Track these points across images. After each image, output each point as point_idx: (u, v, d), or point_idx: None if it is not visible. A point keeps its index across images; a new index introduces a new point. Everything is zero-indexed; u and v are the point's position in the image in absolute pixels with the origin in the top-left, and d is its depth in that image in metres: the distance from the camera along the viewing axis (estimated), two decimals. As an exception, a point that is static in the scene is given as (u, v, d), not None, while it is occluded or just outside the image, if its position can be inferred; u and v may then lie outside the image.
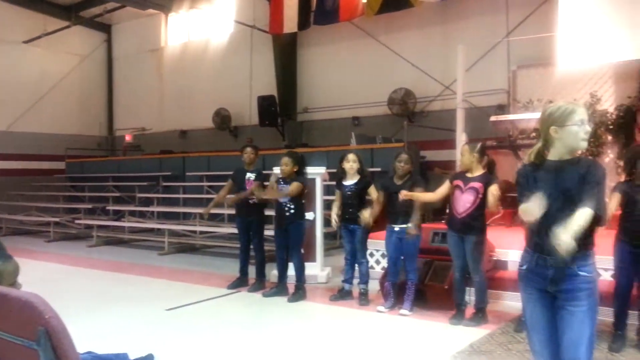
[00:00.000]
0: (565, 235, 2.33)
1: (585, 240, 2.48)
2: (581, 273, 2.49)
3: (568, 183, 2.52)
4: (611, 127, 9.21)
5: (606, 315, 4.33)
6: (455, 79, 9.24)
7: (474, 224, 4.69)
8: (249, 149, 6.42)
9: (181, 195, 12.09)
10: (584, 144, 2.57)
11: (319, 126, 13.22)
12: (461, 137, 8.44)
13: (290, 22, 11.98)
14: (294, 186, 5.67)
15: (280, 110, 13.35)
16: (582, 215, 2.42)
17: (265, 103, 13.11)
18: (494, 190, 4.55)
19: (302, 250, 6.14)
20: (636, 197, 3.99)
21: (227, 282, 6.44)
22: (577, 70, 9.51)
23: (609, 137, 9.32)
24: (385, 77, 11.95)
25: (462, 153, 4.89)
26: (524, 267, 2.64)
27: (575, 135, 2.55)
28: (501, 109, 10.45)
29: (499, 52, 10.61)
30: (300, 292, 5.79)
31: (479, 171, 4.72)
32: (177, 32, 16.15)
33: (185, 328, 4.84)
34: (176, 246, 9.58)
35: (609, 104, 9.47)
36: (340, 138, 11.18)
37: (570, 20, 9.04)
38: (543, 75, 10.06)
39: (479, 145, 4.78)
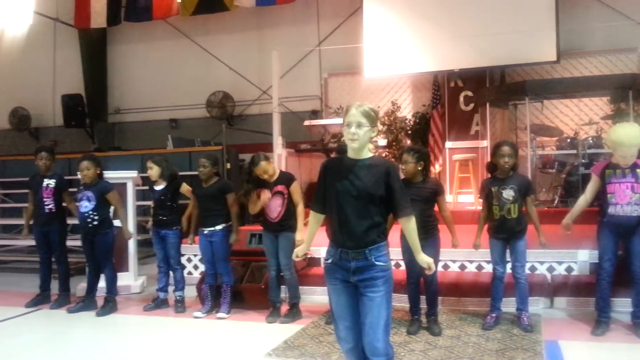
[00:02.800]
0: (425, 257, 2.82)
1: (380, 233, 2.74)
2: (378, 263, 2.71)
3: (363, 181, 2.71)
4: (409, 132, 10.19)
5: (401, 301, 4.79)
6: (272, 84, 9.47)
7: (287, 224, 4.90)
8: (43, 153, 5.74)
9: (-31, 205, 10.59)
10: (351, 145, 2.75)
11: (133, 128, 12.58)
12: (278, 141, 8.67)
13: (98, 16, 11.25)
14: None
15: (89, 110, 12.40)
16: (412, 229, 2.81)
17: (71, 102, 12.06)
18: (294, 190, 4.92)
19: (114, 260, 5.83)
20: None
21: (27, 300, 5.80)
22: (380, 79, 10.39)
23: (408, 142, 10.29)
24: (204, 80, 11.80)
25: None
26: (330, 261, 2.82)
27: (346, 136, 2.77)
28: (315, 114, 10.97)
29: (312, 60, 11.14)
30: (110, 305, 5.44)
31: (277, 175, 4.95)
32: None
33: (-28, 355, 4.25)
34: (-37, 263, 8.36)
35: (407, 111, 10.47)
36: (156, 141, 10.75)
37: (374, 33, 9.85)
38: (351, 83, 10.82)
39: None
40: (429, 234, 4.30)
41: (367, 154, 2.80)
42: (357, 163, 2.76)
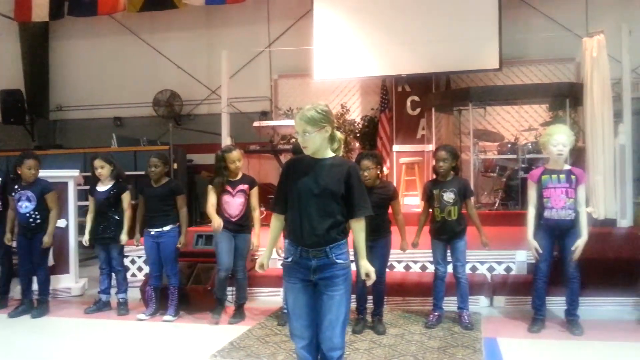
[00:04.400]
0: (367, 266, 2.80)
1: (341, 232, 2.77)
2: (338, 261, 2.74)
3: (325, 180, 2.73)
4: (358, 135, 10.33)
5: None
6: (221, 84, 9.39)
7: (246, 224, 4.91)
8: None
9: None
10: (305, 151, 2.80)
11: (76, 126, 12.18)
12: (226, 141, 8.60)
13: (39, 9, 10.85)
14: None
15: (29, 107, 11.93)
16: (362, 230, 2.81)
17: (9, 98, 11.54)
18: (254, 194, 4.94)
19: (53, 262, 5.67)
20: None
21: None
22: (330, 82, 10.48)
23: (357, 144, 10.44)
24: (151, 78, 11.56)
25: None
26: (289, 260, 2.82)
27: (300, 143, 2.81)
28: (264, 115, 10.96)
29: (262, 61, 11.11)
30: (43, 306, 5.29)
31: (240, 174, 4.95)
32: None
33: None
34: None
35: (356, 115, 10.61)
36: (99, 139, 10.46)
37: (324, 36, 9.94)
38: (301, 85, 10.85)
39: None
40: (381, 236, 4.41)
41: (329, 153, 2.82)
42: (319, 162, 2.79)
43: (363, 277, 2.85)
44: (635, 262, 5.09)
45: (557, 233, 4.40)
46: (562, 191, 4.33)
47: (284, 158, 8.59)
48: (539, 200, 4.43)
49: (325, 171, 2.76)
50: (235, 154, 4.86)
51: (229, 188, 4.87)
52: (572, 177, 4.36)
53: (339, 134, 2.87)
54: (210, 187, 4.89)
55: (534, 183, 4.47)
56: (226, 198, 4.87)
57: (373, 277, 2.85)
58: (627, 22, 7.19)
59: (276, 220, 2.95)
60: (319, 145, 2.78)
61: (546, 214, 4.37)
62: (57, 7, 11.02)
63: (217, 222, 4.76)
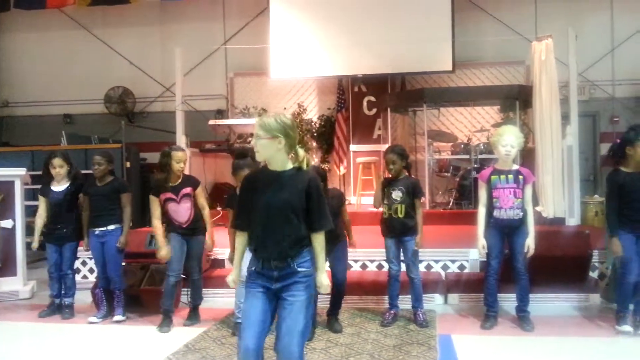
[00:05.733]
0: (324, 280, 2.80)
1: (302, 241, 2.74)
2: (300, 269, 2.71)
3: (285, 193, 2.70)
4: (315, 134, 10.35)
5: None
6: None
7: (198, 226, 4.82)
8: None
9: None
10: (256, 156, 2.76)
11: (23, 123, 11.73)
12: (181, 140, 8.47)
13: (-17, 1, 10.40)
14: None
15: (-27, 103, 11.46)
16: (321, 245, 2.78)
17: (-48, 93, 11.08)
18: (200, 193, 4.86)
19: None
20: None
21: None
22: (286, 81, 10.45)
23: (314, 144, 10.46)
24: (102, 74, 11.27)
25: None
26: (253, 269, 2.78)
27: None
28: (220, 113, 10.84)
29: (218, 58, 10.99)
30: None
31: (180, 178, 4.81)
32: None
33: None
34: None
35: (313, 114, 10.63)
36: (48, 137, 10.10)
37: (280, 35, 9.91)
38: (258, 84, 10.79)
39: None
40: (339, 240, 4.45)
41: (288, 165, 2.77)
42: (279, 174, 2.75)
43: (319, 288, 2.84)
44: (583, 259, 5.30)
45: (506, 231, 4.51)
46: (510, 191, 4.44)
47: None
48: (489, 200, 4.52)
49: (284, 184, 2.73)
50: (181, 154, 4.74)
51: (171, 195, 4.71)
52: (520, 177, 4.48)
53: (301, 152, 2.79)
54: (152, 197, 4.74)
55: (483, 183, 4.57)
56: (172, 206, 4.72)
57: (327, 291, 2.89)
58: (574, 27, 7.48)
59: (240, 236, 2.90)
60: (270, 154, 2.73)
61: (495, 213, 4.47)
62: (3, -1, 10.61)
63: (163, 251, 4.66)
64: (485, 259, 4.72)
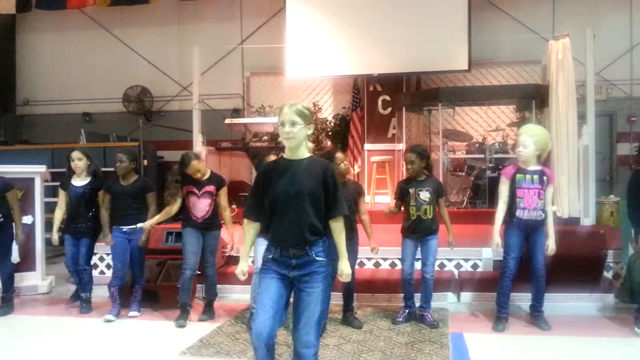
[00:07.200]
0: (346, 268, 2.84)
1: (320, 231, 2.79)
2: (318, 259, 2.77)
3: (302, 181, 2.76)
4: (330, 133, 10.38)
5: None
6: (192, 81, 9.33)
7: (214, 222, 4.90)
8: None
9: None
10: (288, 143, 2.81)
11: (43, 121, 11.94)
12: (197, 138, 8.56)
13: (6, 1, 10.61)
14: None
15: (-5, 101, 11.68)
16: (342, 229, 2.83)
17: (-26, 92, 11.31)
18: (223, 193, 4.92)
19: (19, 259, 5.62)
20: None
21: None
22: (302, 80, 10.50)
23: (329, 142, 10.48)
24: (121, 73, 11.43)
25: None
26: (270, 257, 2.83)
27: (281, 135, 2.82)
28: (236, 112, 10.93)
29: (234, 58, 11.08)
30: (8, 304, 5.20)
31: (208, 174, 4.89)
32: None
33: None
34: None
35: (328, 113, 10.66)
36: (68, 135, 10.28)
37: (297, 34, 9.95)
38: (274, 83, 10.86)
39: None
40: (355, 234, 4.48)
41: (305, 153, 2.84)
42: (295, 163, 2.80)
43: (340, 277, 2.89)
44: (598, 259, 5.26)
45: (527, 231, 4.45)
46: (535, 192, 4.36)
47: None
48: (511, 198, 4.44)
49: (303, 172, 2.78)
50: (195, 164, 4.73)
51: (194, 189, 4.80)
52: (545, 177, 4.42)
53: (311, 145, 2.91)
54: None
55: (507, 180, 4.45)
56: (192, 200, 4.81)
57: (348, 279, 2.91)
58: (592, 26, 7.42)
59: (250, 228, 2.96)
60: (301, 140, 2.80)
61: (518, 213, 4.38)
62: (24, 0, 10.78)
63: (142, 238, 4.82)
64: (499, 258, 4.70)
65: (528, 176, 4.39)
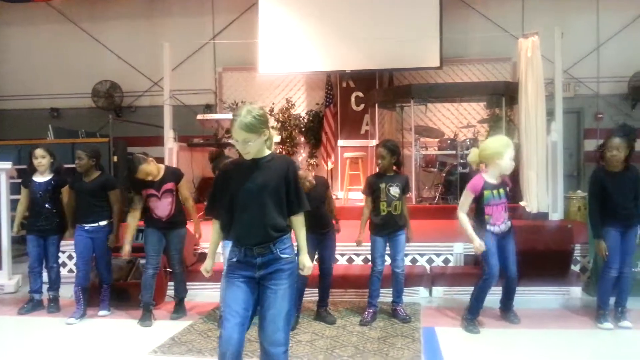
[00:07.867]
0: (307, 261, 2.87)
1: (283, 226, 2.78)
2: (283, 256, 2.75)
3: (264, 179, 2.74)
4: (303, 129, 10.38)
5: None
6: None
7: (178, 220, 4.83)
8: None
9: None
10: (245, 157, 2.75)
11: (9, 116, 11.63)
12: (169, 134, 8.47)
13: (-31, -6, 10.29)
14: None
15: (-42, 96, 11.34)
16: (301, 227, 2.86)
17: (-64, 86, 10.96)
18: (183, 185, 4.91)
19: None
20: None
21: None
22: (275, 76, 10.46)
23: (302, 139, 10.49)
24: (89, 68, 11.20)
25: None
26: (234, 260, 2.79)
27: (237, 148, 2.77)
28: (209, 108, 10.83)
29: (206, 53, 10.96)
30: None
31: (162, 172, 4.79)
32: None
33: None
34: None
35: (301, 109, 10.65)
36: (35, 131, 10.04)
37: (269, 30, 9.91)
38: (246, 79, 10.79)
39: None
40: (330, 229, 4.49)
41: (265, 152, 2.81)
42: (257, 162, 2.78)
43: (301, 270, 2.89)
44: (566, 253, 5.38)
45: (498, 239, 4.41)
46: (502, 207, 4.39)
47: (229, 152, 8.51)
48: (479, 212, 4.39)
49: (264, 170, 2.76)
50: (143, 168, 4.59)
51: (153, 191, 4.70)
52: (507, 188, 4.46)
53: (271, 132, 2.85)
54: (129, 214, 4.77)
55: (473, 194, 4.37)
56: (153, 201, 4.71)
57: (309, 272, 2.94)
58: (560, 25, 7.57)
59: (215, 225, 2.95)
60: (258, 148, 2.76)
61: (488, 227, 4.36)
62: (-12, -8, 10.51)
63: (126, 249, 4.72)
64: (469, 253, 4.73)
65: (495, 191, 4.35)
